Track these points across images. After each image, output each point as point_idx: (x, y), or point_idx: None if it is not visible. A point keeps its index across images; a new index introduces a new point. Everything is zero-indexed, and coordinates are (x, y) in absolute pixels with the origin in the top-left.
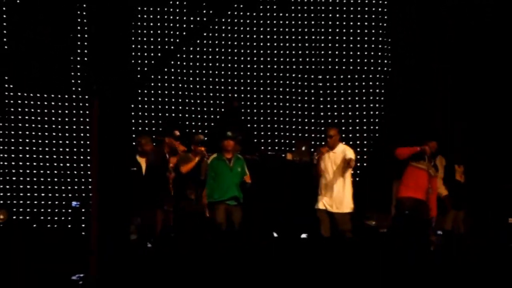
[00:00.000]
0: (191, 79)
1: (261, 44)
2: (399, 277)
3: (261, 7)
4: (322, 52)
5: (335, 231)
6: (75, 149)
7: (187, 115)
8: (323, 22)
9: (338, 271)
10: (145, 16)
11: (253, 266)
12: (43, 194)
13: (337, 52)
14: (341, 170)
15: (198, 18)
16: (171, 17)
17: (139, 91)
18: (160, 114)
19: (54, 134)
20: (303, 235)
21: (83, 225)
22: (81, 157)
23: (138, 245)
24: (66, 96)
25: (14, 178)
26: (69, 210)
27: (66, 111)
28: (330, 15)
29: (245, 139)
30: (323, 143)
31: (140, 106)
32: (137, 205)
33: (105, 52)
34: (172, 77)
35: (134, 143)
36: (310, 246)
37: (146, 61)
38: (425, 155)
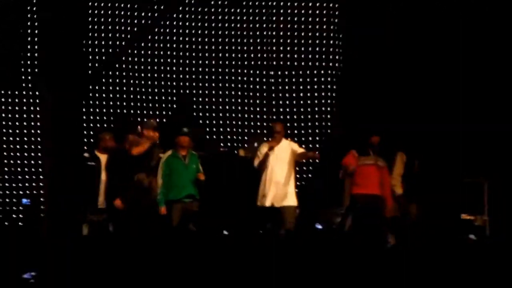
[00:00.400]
0: (142, 74)
1: (213, 39)
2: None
3: (212, 1)
4: (274, 48)
5: (279, 225)
6: (25, 146)
7: (138, 112)
8: (274, 18)
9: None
10: (99, 11)
11: (207, 264)
12: None
13: (288, 48)
14: (287, 165)
15: (149, 14)
16: (123, 13)
17: (91, 87)
18: (111, 111)
19: (4, 130)
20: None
21: (34, 223)
22: (32, 154)
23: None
24: (17, 92)
25: None
26: (20, 208)
27: (16, 108)
28: (282, 10)
29: (197, 135)
30: (269, 138)
31: (91, 102)
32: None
33: (58, 47)
34: (124, 73)
35: (92, 140)
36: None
37: (98, 57)
38: (369, 150)
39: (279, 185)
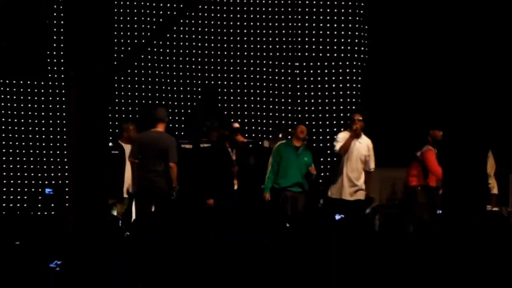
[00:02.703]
0: (168, 65)
1: (238, 30)
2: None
3: None
4: (299, 39)
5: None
6: (50, 136)
7: (163, 102)
8: (300, 9)
9: None
10: (124, 2)
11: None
12: (19, 181)
13: (313, 39)
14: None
15: (175, 5)
16: (149, 4)
17: (117, 77)
18: (137, 101)
19: (29, 120)
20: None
21: (57, 212)
22: (57, 144)
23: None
24: (42, 82)
25: None
26: (42, 197)
27: (42, 98)
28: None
29: (223, 126)
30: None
31: (117, 92)
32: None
33: (83, 37)
34: (149, 64)
35: (117, 130)
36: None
37: (124, 48)
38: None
39: (352, 179)
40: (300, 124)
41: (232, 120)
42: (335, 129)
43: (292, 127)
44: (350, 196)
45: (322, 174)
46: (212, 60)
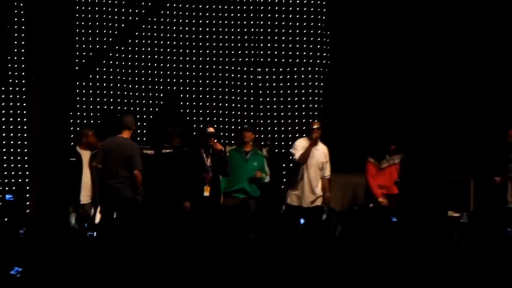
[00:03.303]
0: (129, 71)
1: (199, 36)
2: None
3: None
4: (261, 45)
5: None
6: (11, 142)
7: (125, 108)
8: (261, 15)
9: None
10: (86, 8)
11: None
12: None
13: (276, 45)
14: (318, 167)
15: (137, 11)
16: (111, 9)
17: (78, 83)
18: (98, 107)
19: None
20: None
21: (18, 219)
22: (18, 150)
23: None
24: (3, 88)
25: None
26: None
27: (3, 103)
28: (269, 9)
29: (184, 132)
30: (304, 135)
31: (78, 98)
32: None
33: (44, 41)
34: (111, 70)
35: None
36: None
37: (85, 53)
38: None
39: (312, 186)
40: (245, 130)
41: (202, 125)
42: (297, 135)
43: (239, 132)
44: (310, 203)
45: (284, 179)
46: (174, 65)
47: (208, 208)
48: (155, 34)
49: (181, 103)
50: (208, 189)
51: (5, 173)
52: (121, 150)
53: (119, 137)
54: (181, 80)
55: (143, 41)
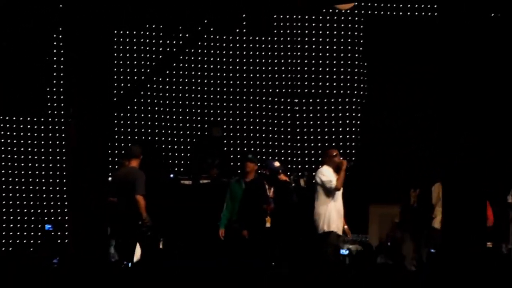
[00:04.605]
0: (167, 102)
1: (240, 67)
2: None
3: (237, 30)
4: (299, 76)
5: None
6: (50, 172)
7: (163, 139)
8: (299, 46)
9: None
10: (124, 40)
11: None
12: (18, 218)
13: (313, 76)
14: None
15: (174, 42)
16: (149, 41)
17: (117, 114)
18: (136, 138)
19: (29, 157)
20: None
21: (56, 248)
22: (57, 180)
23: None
24: (42, 119)
25: None
26: (41, 233)
27: (42, 134)
28: (307, 39)
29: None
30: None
31: (116, 129)
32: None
33: (83, 74)
34: (149, 101)
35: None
36: None
37: (124, 84)
38: None
39: (340, 213)
40: (247, 161)
41: (270, 157)
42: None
43: (242, 163)
44: (339, 230)
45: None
46: (211, 96)
47: (270, 239)
48: (194, 65)
49: (224, 134)
50: (269, 220)
51: (44, 203)
52: (126, 178)
53: (126, 167)
54: (218, 111)
55: (182, 72)
